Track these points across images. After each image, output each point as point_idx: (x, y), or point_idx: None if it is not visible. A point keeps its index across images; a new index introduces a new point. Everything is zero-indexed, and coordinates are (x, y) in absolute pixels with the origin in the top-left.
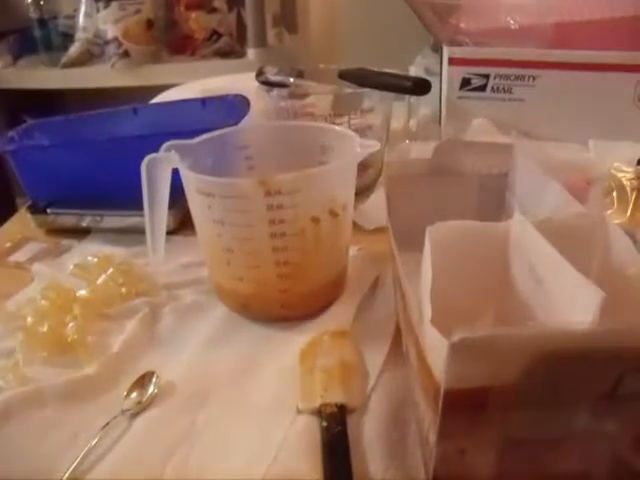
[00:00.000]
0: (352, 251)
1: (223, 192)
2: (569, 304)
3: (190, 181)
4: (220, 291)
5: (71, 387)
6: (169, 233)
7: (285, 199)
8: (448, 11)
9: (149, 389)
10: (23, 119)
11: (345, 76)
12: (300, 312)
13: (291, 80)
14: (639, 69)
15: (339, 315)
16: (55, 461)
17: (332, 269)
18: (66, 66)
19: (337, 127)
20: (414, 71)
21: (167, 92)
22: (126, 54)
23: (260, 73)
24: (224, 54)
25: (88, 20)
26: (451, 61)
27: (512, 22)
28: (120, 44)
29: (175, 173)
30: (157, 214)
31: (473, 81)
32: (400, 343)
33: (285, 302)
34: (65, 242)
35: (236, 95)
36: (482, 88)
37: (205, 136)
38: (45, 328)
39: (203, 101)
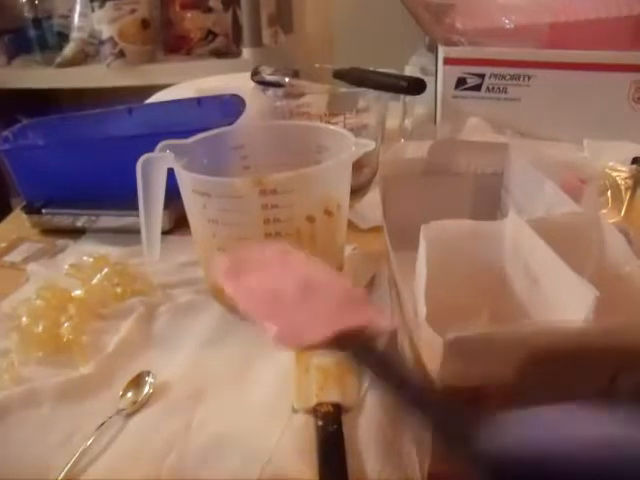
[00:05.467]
0: (347, 250)
1: (218, 191)
2: (564, 303)
3: (185, 180)
4: (215, 291)
5: (67, 387)
6: (164, 233)
7: (280, 198)
8: (443, 11)
9: (144, 389)
10: (18, 119)
11: (340, 76)
12: None
13: (286, 80)
14: (633, 69)
15: None
16: (51, 461)
17: None
18: (61, 66)
19: (332, 126)
20: (409, 71)
21: (163, 92)
22: (121, 54)
23: (255, 73)
24: (220, 54)
25: (83, 20)
26: (446, 61)
27: (507, 22)
28: (115, 44)
29: (170, 173)
30: (152, 214)
31: (468, 81)
32: (396, 342)
33: None
34: (60, 242)
35: (231, 95)
36: (477, 88)
37: (200, 136)
38: (40, 328)
39: (198, 101)
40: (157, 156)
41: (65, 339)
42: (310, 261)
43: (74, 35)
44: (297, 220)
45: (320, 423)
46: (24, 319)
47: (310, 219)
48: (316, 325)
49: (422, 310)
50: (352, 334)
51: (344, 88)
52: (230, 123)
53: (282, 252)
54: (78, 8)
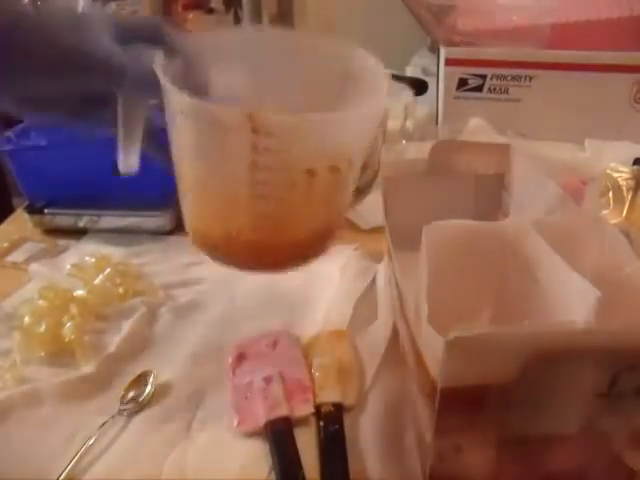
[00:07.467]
0: (349, 250)
1: (201, 116)
2: (565, 303)
3: (168, 95)
4: (190, 229)
5: (68, 387)
6: (166, 234)
7: (276, 143)
8: (445, 11)
9: (146, 389)
10: (20, 119)
11: None
12: (270, 263)
13: None
14: (635, 69)
15: (336, 315)
16: (52, 460)
17: (318, 227)
18: None
19: (368, 55)
20: (411, 71)
21: None
22: None
23: None
24: None
25: None
26: (448, 61)
27: (508, 22)
28: None
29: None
30: (133, 115)
31: (470, 81)
32: (397, 343)
33: (257, 252)
34: (62, 242)
35: None
36: (479, 88)
37: (202, 35)
38: (42, 328)
39: None
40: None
41: (67, 339)
42: (289, 347)
43: None
44: (293, 172)
45: (321, 423)
46: (26, 319)
47: (310, 173)
48: (257, 415)
49: (423, 310)
50: (278, 421)
51: None
52: None
53: (274, 341)
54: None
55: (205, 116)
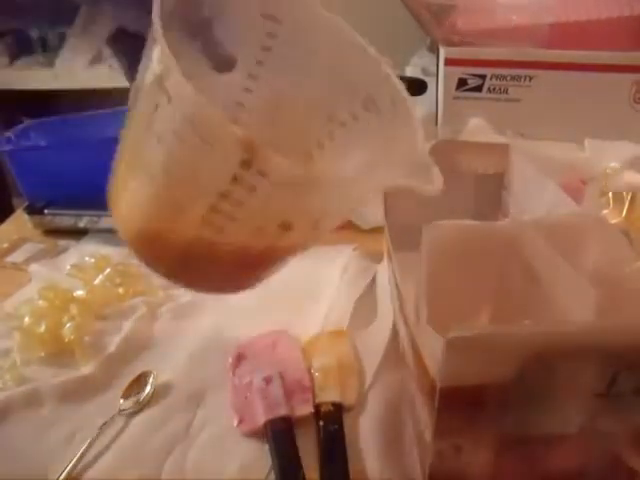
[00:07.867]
0: (349, 250)
1: (183, 106)
2: (564, 303)
3: (156, 53)
4: (114, 207)
5: (68, 387)
6: None
7: (266, 186)
8: (444, 11)
9: (146, 389)
10: (20, 119)
11: None
12: (192, 281)
13: None
14: (635, 69)
15: (336, 315)
16: (52, 461)
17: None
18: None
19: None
20: (410, 71)
21: None
22: None
23: None
24: None
25: None
26: (447, 61)
27: (508, 22)
28: None
29: None
30: (93, 33)
31: (469, 81)
32: (397, 343)
33: (185, 267)
34: (62, 243)
35: None
36: (478, 88)
37: None
38: (42, 328)
39: None
40: None
41: (67, 339)
42: (289, 347)
43: None
44: (267, 220)
45: (321, 423)
46: (26, 319)
47: (284, 226)
48: (257, 414)
49: (423, 310)
50: (278, 421)
51: None
52: None
53: (274, 341)
54: None
55: (195, 114)
